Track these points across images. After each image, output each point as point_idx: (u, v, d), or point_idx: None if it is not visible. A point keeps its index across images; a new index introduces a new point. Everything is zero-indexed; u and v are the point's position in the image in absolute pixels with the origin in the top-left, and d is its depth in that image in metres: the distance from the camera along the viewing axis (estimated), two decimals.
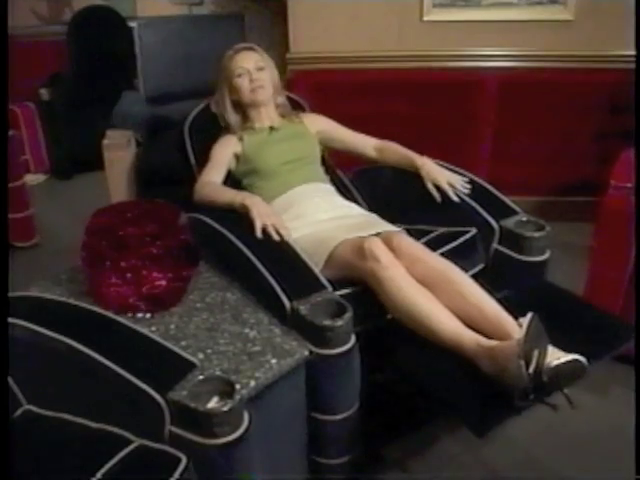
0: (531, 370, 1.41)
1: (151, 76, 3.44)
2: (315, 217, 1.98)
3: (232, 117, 2.20)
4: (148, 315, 1.68)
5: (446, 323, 1.60)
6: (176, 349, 1.47)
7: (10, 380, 1.54)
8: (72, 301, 1.65)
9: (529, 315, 1.47)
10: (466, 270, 1.89)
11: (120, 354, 1.43)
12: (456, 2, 3.02)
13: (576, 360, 1.45)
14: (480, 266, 1.97)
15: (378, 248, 1.68)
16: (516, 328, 1.52)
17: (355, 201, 2.23)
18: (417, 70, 3.11)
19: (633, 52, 2.91)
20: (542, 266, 1.95)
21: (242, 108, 2.20)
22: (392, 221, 2.13)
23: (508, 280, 1.97)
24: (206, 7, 4.48)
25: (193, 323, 1.65)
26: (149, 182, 3.03)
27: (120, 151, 3.02)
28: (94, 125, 3.85)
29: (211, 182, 2.06)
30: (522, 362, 1.39)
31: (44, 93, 4.08)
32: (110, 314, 1.58)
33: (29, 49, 4.32)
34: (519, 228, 1.94)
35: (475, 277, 1.89)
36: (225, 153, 2.14)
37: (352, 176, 2.35)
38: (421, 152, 2.22)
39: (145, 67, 3.45)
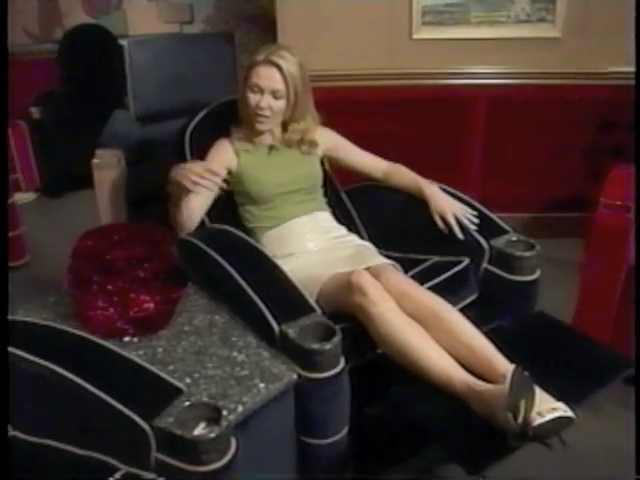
0: (520, 420, 1.39)
1: (141, 95, 3.43)
2: (305, 251, 1.97)
3: (243, 115, 2.07)
4: (135, 339, 1.66)
5: (436, 362, 1.58)
6: (163, 374, 1.46)
7: None
8: (58, 325, 1.64)
9: (512, 367, 1.45)
10: (459, 301, 1.90)
11: (106, 379, 1.42)
12: (445, 20, 3.04)
13: (561, 417, 1.43)
14: (473, 296, 1.97)
15: (366, 282, 1.66)
16: (507, 367, 1.49)
17: (352, 221, 2.22)
18: (406, 88, 3.12)
19: (621, 69, 2.94)
20: (533, 285, 1.95)
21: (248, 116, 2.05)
22: (387, 244, 2.15)
23: (499, 301, 1.98)
24: (197, 26, 4.52)
25: (181, 347, 1.63)
26: (139, 202, 3.02)
27: (110, 171, 3.02)
28: (85, 143, 3.83)
29: None
30: (509, 414, 1.38)
31: (35, 111, 4.07)
32: (96, 338, 1.56)
33: (20, 67, 4.29)
34: (509, 248, 1.94)
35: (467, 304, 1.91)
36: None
37: (352, 192, 2.33)
38: (411, 169, 2.22)
39: (135, 85, 3.44)
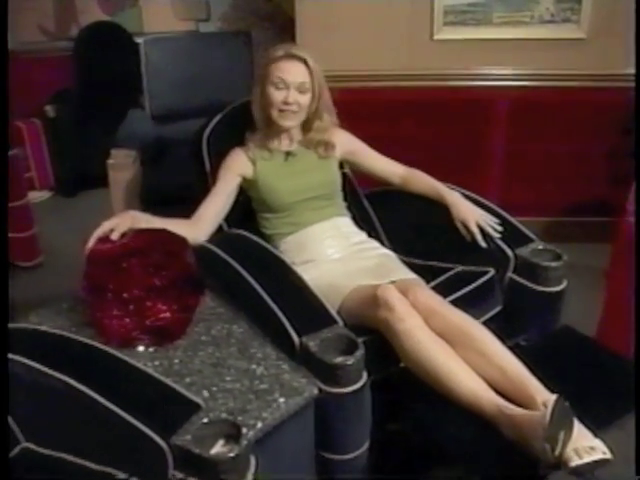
0: (557, 452, 1.33)
1: (157, 94, 3.40)
2: (325, 258, 1.93)
3: (259, 121, 2.01)
4: (151, 349, 1.62)
5: (465, 382, 1.52)
6: (180, 388, 1.41)
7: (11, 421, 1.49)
8: (72, 335, 1.59)
9: (554, 397, 1.37)
10: (483, 314, 1.85)
11: (121, 393, 1.38)
12: (467, 20, 2.97)
13: (598, 460, 1.34)
14: (497, 309, 1.92)
15: (393, 297, 1.61)
16: (546, 396, 1.43)
17: (372, 226, 2.17)
18: (426, 89, 3.06)
19: None
20: (559, 297, 1.89)
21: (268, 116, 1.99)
22: (407, 250, 2.10)
23: (523, 313, 1.92)
24: (213, 24, 4.46)
25: (198, 358, 1.59)
26: (154, 203, 2.98)
27: (125, 171, 2.99)
28: (99, 142, 3.81)
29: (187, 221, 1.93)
30: (547, 446, 1.31)
31: (49, 110, 4.04)
32: (112, 350, 1.52)
33: (35, 65, 4.29)
34: (535, 257, 1.89)
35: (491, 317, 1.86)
36: (231, 178, 2.01)
37: (372, 196, 2.28)
38: (430, 172, 2.18)
39: (151, 85, 3.42)
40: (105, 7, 4.50)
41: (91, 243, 1.70)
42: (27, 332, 1.61)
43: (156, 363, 1.57)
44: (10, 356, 1.44)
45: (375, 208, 2.28)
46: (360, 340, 1.61)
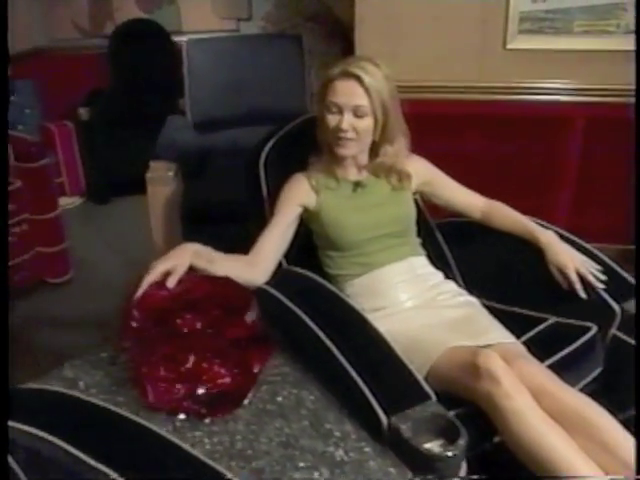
0: None
1: (199, 100, 3.17)
2: (399, 306, 1.69)
3: (323, 145, 1.78)
4: (207, 419, 1.37)
5: (583, 474, 1.26)
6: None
7: None
8: (113, 408, 1.33)
9: None
10: (580, 379, 1.59)
11: None
12: (544, 29, 2.69)
13: None
14: (596, 372, 1.65)
15: (498, 368, 1.35)
16: None
17: (447, 265, 1.92)
18: (496, 103, 2.78)
19: None
20: None
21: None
22: (485, 292, 1.84)
23: (629, 378, 1.65)
24: (255, 23, 4.22)
25: (264, 434, 1.34)
26: (196, 220, 2.76)
27: (164, 185, 2.77)
28: (134, 147, 3.62)
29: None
30: None
31: (83, 113, 3.82)
32: (158, 430, 1.26)
33: (68, 63, 4.09)
34: None
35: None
36: (291, 208, 1.77)
37: (444, 228, 2.03)
38: (495, 193, 1.95)
39: (193, 90, 3.19)
40: (142, 4, 4.27)
41: (142, 290, 1.46)
42: (51, 396, 1.36)
43: (214, 440, 1.32)
44: (32, 430, 1.21)
45: (448, 243, 2.03)
46: (452, 414, 1.36)
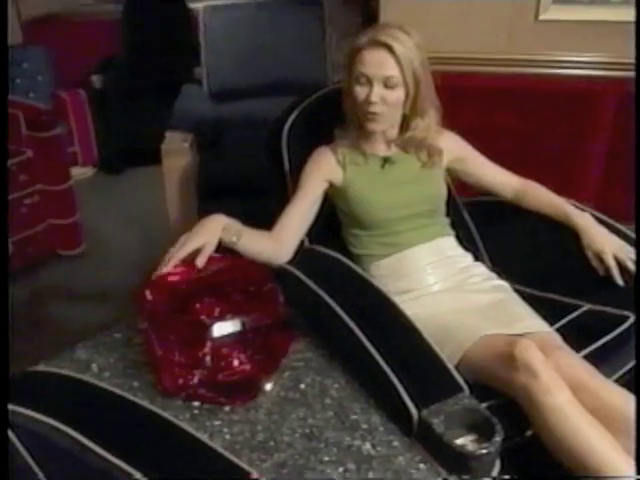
0: None
1: (216, 69, 3.07)
2: (427, 289, 1.61)
3: (350, 118, 1.68)
4: (227, 407, 1.30)
5: (625, 474, 1.18)
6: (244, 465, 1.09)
7: None
8: (122, 393, 1.26)
9: None
10: (614, 372, 1.50)
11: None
12: None
13: None
14: (630, 364, 1.56)
15: (536, 361, 1.27)
16: None
17: (475, 246, 1.84)
18: (527, 77, 2.67)
19: None
20: None
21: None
22: (513, 276, 1.75)
23: None
24: None
25: (287, 424, 1.27)
26: (212, 194, 2.68)
27: (180, 157, 2.68)
28: (149, 117, 3.54)
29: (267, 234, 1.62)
30: None
31: (96, 80, 3.73)
32: (173, 420, 1.19)
33: (81, 29, 3.99)
34: None
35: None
36: (317, 183, 1.68)
37: (472, 208, 1.94)
38: (524, 169, 1.85)
39: (209, 58, 3.08)
40: None
41: (168, 268, 1.39)
42: (66, 383, 1.30)
43: (235, 430, 1.25)
44: (41, 418, 1.15)
45: (476, 223, 1.94)
46: (484, 405, 1.29)
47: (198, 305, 1.28)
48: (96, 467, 1.08)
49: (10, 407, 1.19)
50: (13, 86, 3.46)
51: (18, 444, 1.19)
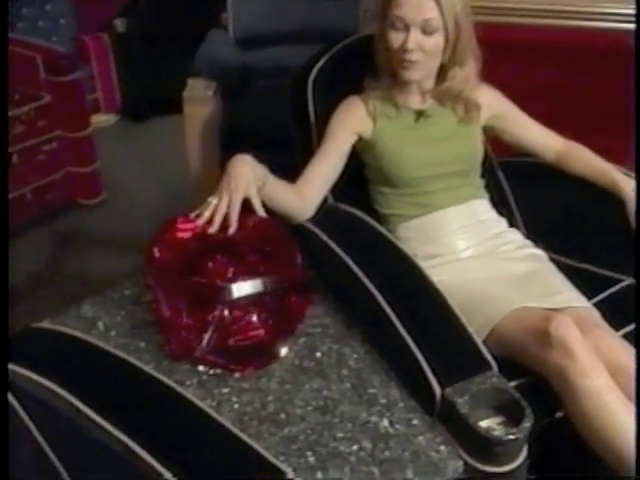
0: None
1: (243, 14, 2.93)
2: (457, 254, 1.50)
3: (382, 67, 1.56)
4: (237, 374, 1.23)
5: None
6: (280, 465, 1.00)
7: (52, 455, 1.14)
8: (129, 358, 1.17)
9: None
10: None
11: (185, 455, 0.99)
12: None
13: None
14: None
15: (573, 339, 1.16)
16: None
17: (509, 211, 1.72)
18: (571, 30, 2.49)
19: None
20: None
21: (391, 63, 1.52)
22: (549, 244, 1.64)
23: None
24: None
25: (300, 395, 1.19)
26: (235, 145, 2.57)
27: (202, 105, 2.57)
28: (174, 63, 3.41)
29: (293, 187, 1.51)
30: None
31: (119, 24, 3.59)
32: (180, 390, 1.11)
33: None
34: None
35: None
36: (345, 135, 1.56)
37: (507, 169, 1.80)
38: (566, 130, 1.73)
39: (236, 3, 2.94)
40: None
41: (215, 226, 1.29)
42: (68, 343, 1.22)
43: (244, 399, 1.18)
44: (40, 380, 1.08)
45: (511, 186, 1.81)
46: (513, 384, 1.20)
47: (210, 264, 1.19)
48: (94, 436, 1.02)
49: (10, 366, 1.12)
50: (35, 29, 3.36)
51: (17, 407, 1.14)
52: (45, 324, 1.31)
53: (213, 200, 1.32)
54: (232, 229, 1.27)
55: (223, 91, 2.64)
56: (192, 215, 1.31)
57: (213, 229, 1.28)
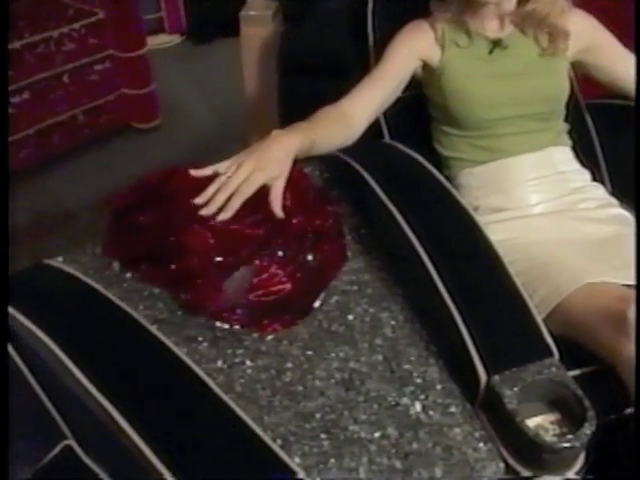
0: None
1: None
2: (527, 210, 1.30)
3: None
4: (255, 334, 1.08)
5: None
6: (284, 456, 0.85)
7: (53, 409, 1.04)
8: (132, 312, 1.01)
9: None
10: None
11: (178, 439, 0.85)
12: None
13: None
14: None
15: None
16: None
17: (594, 162, 1.48)
18: None
19: None
20: None
21: None
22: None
23: None
24: None
25: (323, 365, 1.02)
26: (294, 70, 2.39)
27: (261, 26, 2.38)
28: None
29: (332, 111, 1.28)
30: None
31: None
32: (185, 358, 0.95)
33: None
34: None
35: None
36: (407, 59, 1.37)
37: (594, 110, 1.56)
38: None
39: None
40: None
41: (228, 213, 1.05)
42: (72, 289, 1.10)
43: (259, 363, 1.03)
44: (35, 331, 0.96)
45: (600, 133, 1.56)
46: (576, 373, 1.01)
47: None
48: (80, 396, 0.90)
49: (10, 310, 1.01)
50: None
51: (15, 356, 1.03)
52: (55, 261, 1.19)
53: (224, 171, 1.09)
54: (226, 215, 1.04)
55: (284, 11, 2.44)
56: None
57: (208, 211, 1.04)
